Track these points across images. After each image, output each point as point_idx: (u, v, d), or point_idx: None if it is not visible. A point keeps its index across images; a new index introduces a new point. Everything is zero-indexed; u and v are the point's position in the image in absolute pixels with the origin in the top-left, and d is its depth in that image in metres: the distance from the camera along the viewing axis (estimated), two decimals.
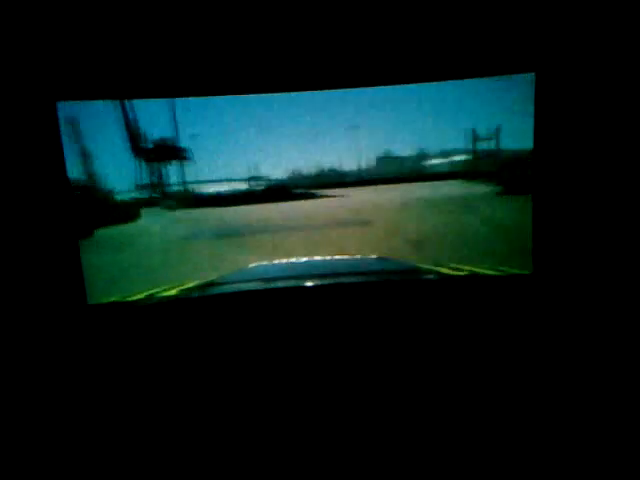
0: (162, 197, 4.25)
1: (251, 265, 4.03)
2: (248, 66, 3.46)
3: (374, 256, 4.14)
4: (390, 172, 4.36)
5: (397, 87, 3.71)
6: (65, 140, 3.53)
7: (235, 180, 4.21)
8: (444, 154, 4.24)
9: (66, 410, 3.52)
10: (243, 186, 4.25)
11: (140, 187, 4.14)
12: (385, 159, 4.31)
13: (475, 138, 4.19)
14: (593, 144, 3.47)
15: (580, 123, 3.46)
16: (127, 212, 4.18)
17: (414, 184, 4.42)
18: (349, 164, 4.31)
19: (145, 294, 3.89)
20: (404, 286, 3.81)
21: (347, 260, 4.08)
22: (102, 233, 3.95)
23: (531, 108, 3.57)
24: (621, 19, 3.30)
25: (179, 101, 3.86)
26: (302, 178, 4.16)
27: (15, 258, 3.44)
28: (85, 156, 3.80)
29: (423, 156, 4.25)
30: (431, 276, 3.99)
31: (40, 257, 3.50)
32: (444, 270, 4.02)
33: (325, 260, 4.05)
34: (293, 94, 3.75)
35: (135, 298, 3.85)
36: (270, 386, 3.64)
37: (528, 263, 3.73)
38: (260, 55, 3.44)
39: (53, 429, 3.47)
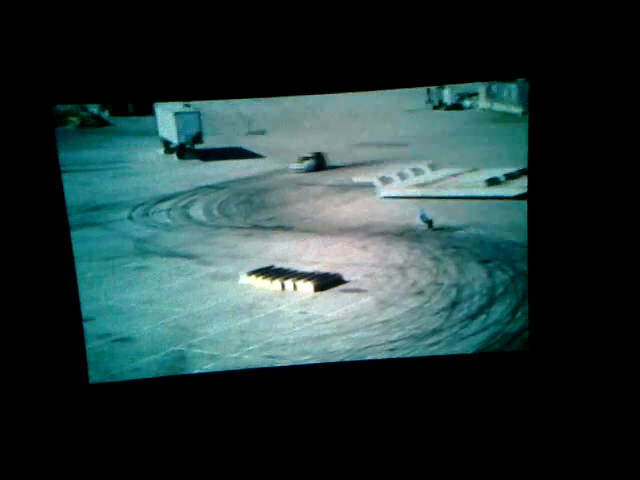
0: None
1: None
2: (247, 70, 3.47)
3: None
4: None
5: None
6: None
7: None
8: None
9: None
10: None
11: None
12: None
13: None
14: (589, 148, 3.56)
15: (575, 127, 3.53)
16: None
17: None
18: None
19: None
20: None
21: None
22: None
23: None
24: (615, 25, 3.38)
25: None
26: None
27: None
28: None
29: None
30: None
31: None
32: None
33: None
34: None
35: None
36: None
37: None
38: (259, 59, 3.46)
39: None
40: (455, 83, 4.01)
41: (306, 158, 4.18)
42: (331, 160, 4.21)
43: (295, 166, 4.19)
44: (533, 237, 3.69)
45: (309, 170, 4.19)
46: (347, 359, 3.85)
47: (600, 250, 3.62)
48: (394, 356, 3.83)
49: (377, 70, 3.47)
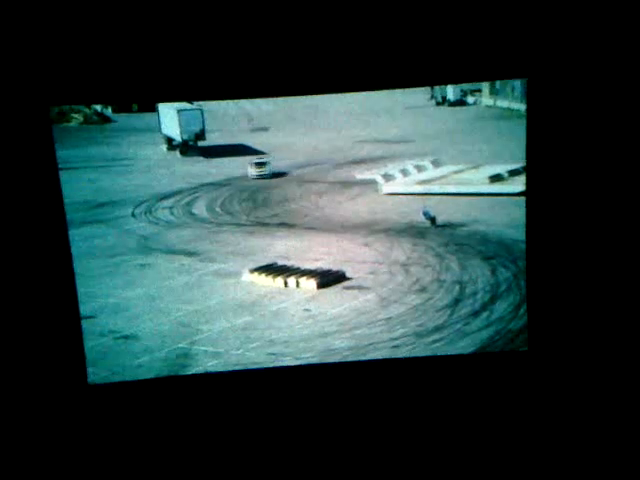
0: None
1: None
2: (242, 71, 3.42)
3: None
4: None
5: None
6: None
7: None
8: None
9: None
10: None
11: None
12: None
13: None
14: (587, 148, 3.47)
15: (573, 127, 3.45)
16: None
17: None
18: None
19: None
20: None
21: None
22: None
23: None
24: (612, 26, 3.32)
25: None
26: None
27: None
28: None
29: None
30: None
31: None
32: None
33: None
34: None
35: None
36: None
37: None
38: (254, 60, 3.39)
39: None
40: (456, 83, 4.01)
41: (262, 164, 4.19)
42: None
43: (256, 172, 4.20)
44: (532, 237, 3.66)
45: (269, 176, 4.20)
46: (348, 358, 3.84)
47: (599, 249, 3.60)
48: (396, 353, 3.83)
49: (382, 70, 3.46)
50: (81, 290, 3.58)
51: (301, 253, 4.09)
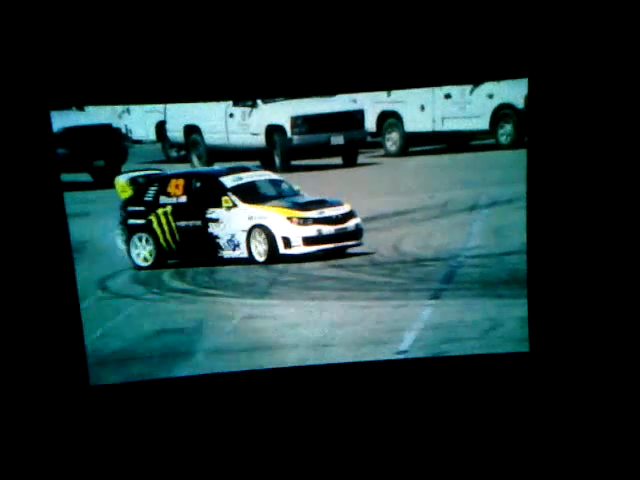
0: None
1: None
2: (241, 72, 3.48)
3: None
4: None
5: None
6: None
7: None
8: None
9: None
10: None
11: None
12: None
13: None
14: (587, 148, 3.52)
15: (574, 127, 3.50)
16: None
17: None
18: None
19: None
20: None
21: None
22: None
23: None
24: (614, 25, 3.38)
25: None
26: None
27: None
28: None
29: None
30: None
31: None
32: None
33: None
34: None
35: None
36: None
37: None
38: (253, 61, 3.45)
39: None
40: (457, 83, 4.00)
41: None
42: None
43: None
44: (532, 238, 3.66)
45: None
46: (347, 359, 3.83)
47: (601, 249, 3.59)
48: None
49: (381, 70, 3.50)
50: None
51: None
